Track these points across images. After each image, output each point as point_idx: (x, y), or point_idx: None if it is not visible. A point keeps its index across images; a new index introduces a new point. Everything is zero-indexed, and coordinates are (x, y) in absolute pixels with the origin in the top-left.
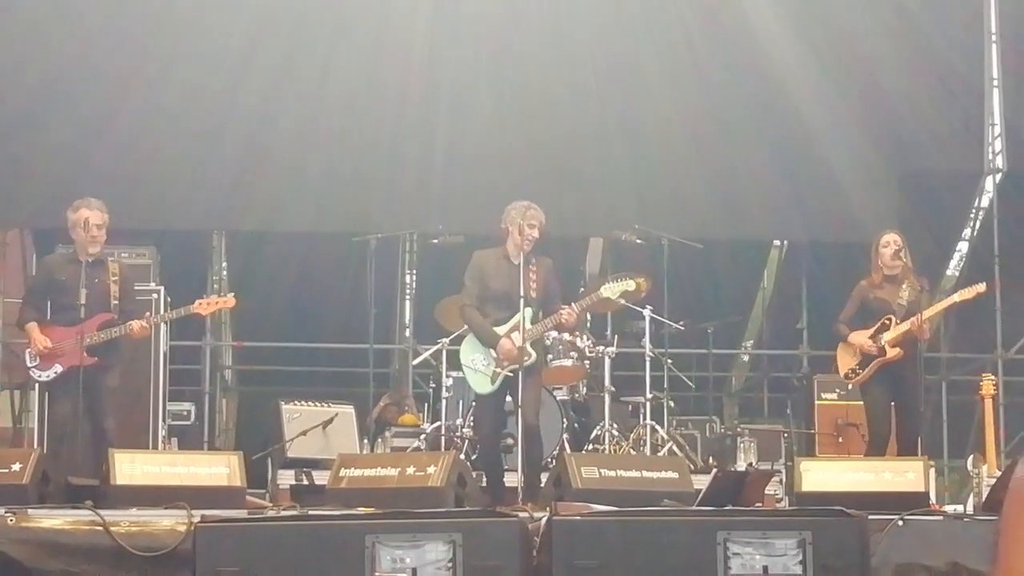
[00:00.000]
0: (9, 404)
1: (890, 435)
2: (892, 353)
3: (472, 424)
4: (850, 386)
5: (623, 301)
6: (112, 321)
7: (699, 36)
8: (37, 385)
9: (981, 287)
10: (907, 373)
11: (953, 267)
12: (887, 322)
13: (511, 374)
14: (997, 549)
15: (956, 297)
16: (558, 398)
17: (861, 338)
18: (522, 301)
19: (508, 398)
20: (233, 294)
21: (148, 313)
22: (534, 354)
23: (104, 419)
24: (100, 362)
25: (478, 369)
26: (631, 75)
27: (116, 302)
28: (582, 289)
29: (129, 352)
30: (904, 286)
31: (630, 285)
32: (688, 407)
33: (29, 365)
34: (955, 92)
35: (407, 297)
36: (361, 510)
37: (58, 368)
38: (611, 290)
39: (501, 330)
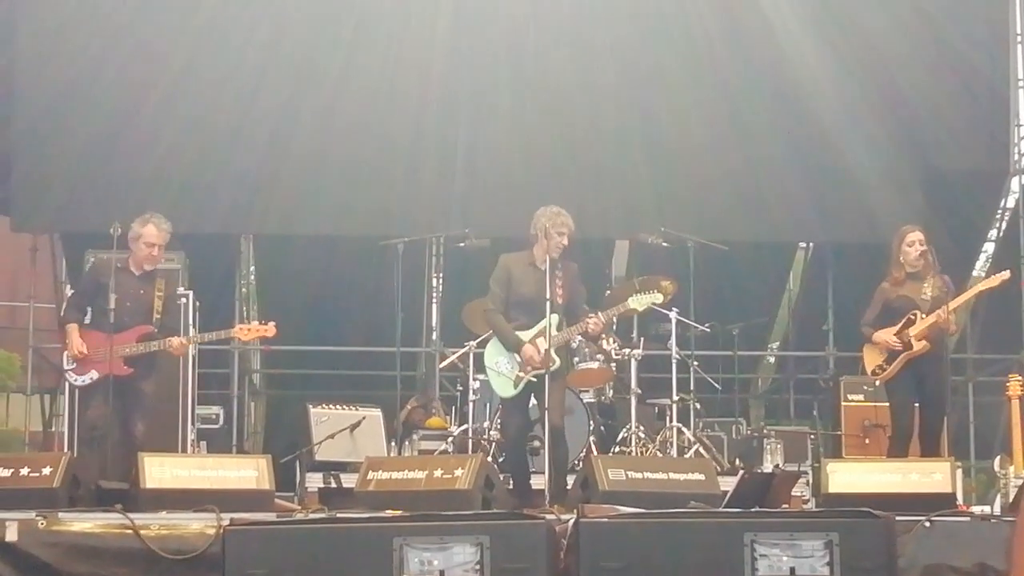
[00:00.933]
0: (40, 408)
1: (913, 431)
2: (919, 346)
3: (500, 427)
4: (877, 383)
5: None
6: (151, 334)
7: (720, 38)
8: (68, 389)
9: (1006, 274)
10: (932, 370)
11: (979, 268)
12: (912, 317)
13: (534, 379)
14: (1013, 550)
15: (982, 285)
16: (585, 401)
17: (886, 335)
18: (548, 306)
19: (534, 401)
20: (273, 324)
21: (191, 334)
22: (558, 360)
23: (135, 424)
24: (135, 373)
25: (501, 372)
26: (653, 77)
27: (158, 316)
28: (608, 292)
29: (160, 364)
30: (927, 283)
31: (657, 298)
32: (714, 409)
33: (65, 368)
34: (979, 92)
35: (434, 300)
36: (389, 513)
37: (94, 374)
38: (639, 302)
39: (526, 335)
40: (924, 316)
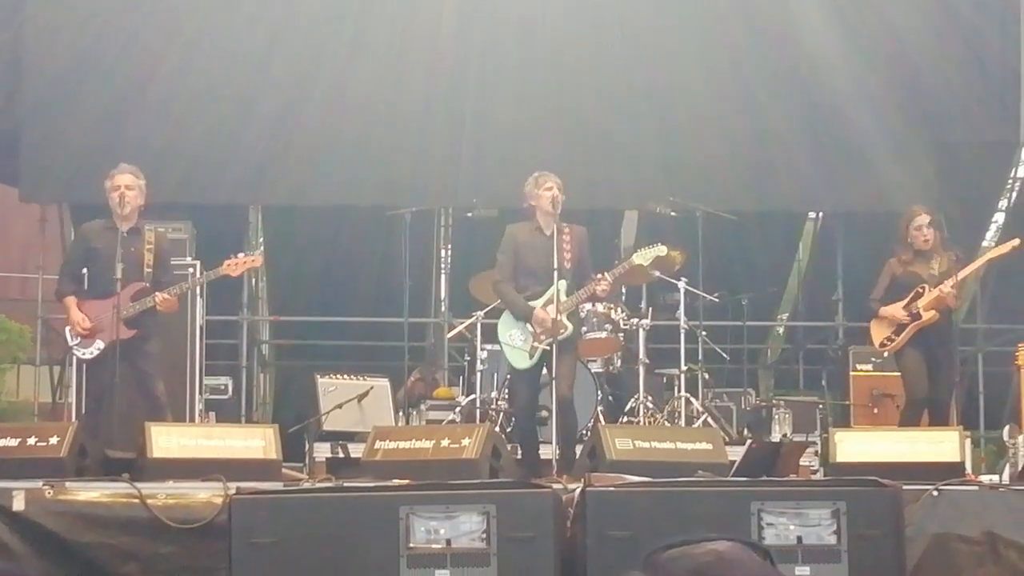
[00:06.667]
0: (49, 379)
1: (926, 397)
2: (927, 316)
3: (507, 397)
4: (885, 354)
5: (656, 273)
6: (145, 290)
7: (730, 8)
8: (75, 360)
9: (1015, 241)
10: (940, 342)
11: (989, 239)
12: (920, 290)
13: (549, 347)
14: None
15: (991, 253)
16: (592, 370)
17: (894, 309)
18: (555, 275)
19: (544, 371)
20: (260, 252)
21: (183, 284)
22: (570, 326)
23: (154, 385)
24: (139, 333)
25: (516, 345)
26: (662, 46)
27: (149, 270)
28: (617, 262)
29: (165, 323)
30: (935, 260)
31: (662, 250)
32: (723, 379)
33: (71, 344)
34: (990, 62)
35: (442, 271)
36: (396, 482)
37: (100, 344)
38: (643, 256)
39: (536, 304)
40: (931, 290)
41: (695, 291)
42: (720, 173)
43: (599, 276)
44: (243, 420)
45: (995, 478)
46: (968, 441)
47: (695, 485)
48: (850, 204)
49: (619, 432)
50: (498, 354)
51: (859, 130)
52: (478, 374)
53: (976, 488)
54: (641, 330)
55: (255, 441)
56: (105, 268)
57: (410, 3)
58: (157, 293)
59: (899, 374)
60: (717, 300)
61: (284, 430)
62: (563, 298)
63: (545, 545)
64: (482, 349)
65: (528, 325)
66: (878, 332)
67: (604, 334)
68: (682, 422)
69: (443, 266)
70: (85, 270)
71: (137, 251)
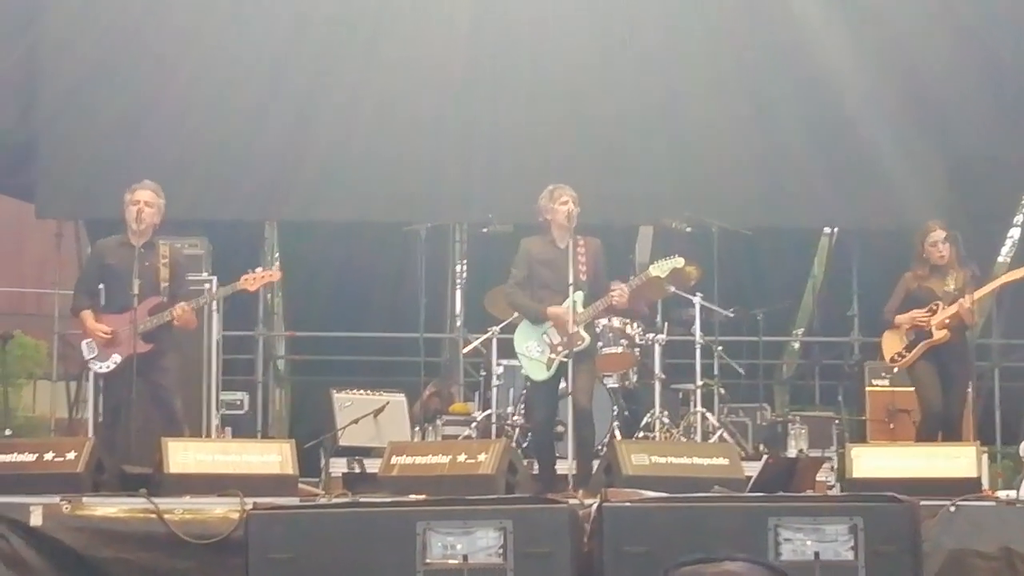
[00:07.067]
0: (65, 394)
1: (942, 412)
2: (939, 335)
3: (523, 412)
4: (895, 369)
5: (672, 288)
6: (162, 305)
7: (744, 24)
8: (91, 375)
9: None
10: (953, 358)
11: (1005, 253)
12: (935, 307)
13: (566, 359)
14: None
15: (1005, 278)
16: (608, 386)
17: (911, 315)
18: (571, 288)
19: (562, 384)
20: (276, 265)
21: (201, 298)
22: (587, 337)
23: (172, 401)
24: (155, 348)
25: (533, 357)
26: (676, 61)
27: (165, 284)
28: (632, 276)
29: (182, 338)
30: (950, 276)
31: (679, 262)
32: (738, 394)
33: (87, 357)
34: (1003, 77)
35: (457, 286)
36: (412, 497)
37: (116, 358)
38: (660, 268)
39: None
40: (945, 308)
41: (710, 306)
42: (735, 188)
43: (616, 287)
44: (259, 435)
45: (1012, 494)
46: (985, 456)
47: (712, 501)
48: (865, 219)
49: (635, 447)
50: (514, 369)
51: (874, 145)
52: (494, 389)
53: (993, 504)
54: (657, 345)
55: (271, 456)
56: (120, 284)
57: (423, 18)
58: (176, 305)
59: (914, 389)
60: (732, 315)
61: (300, 445)
62: (579, 310)
63: (562, 561)
64: (498, 364)
65: (545, 336)
66: (890, 346)
67: (620, 349)
68: (698, 437)
69: (458, 281)
70: (101, 286)
71: (152, 266)
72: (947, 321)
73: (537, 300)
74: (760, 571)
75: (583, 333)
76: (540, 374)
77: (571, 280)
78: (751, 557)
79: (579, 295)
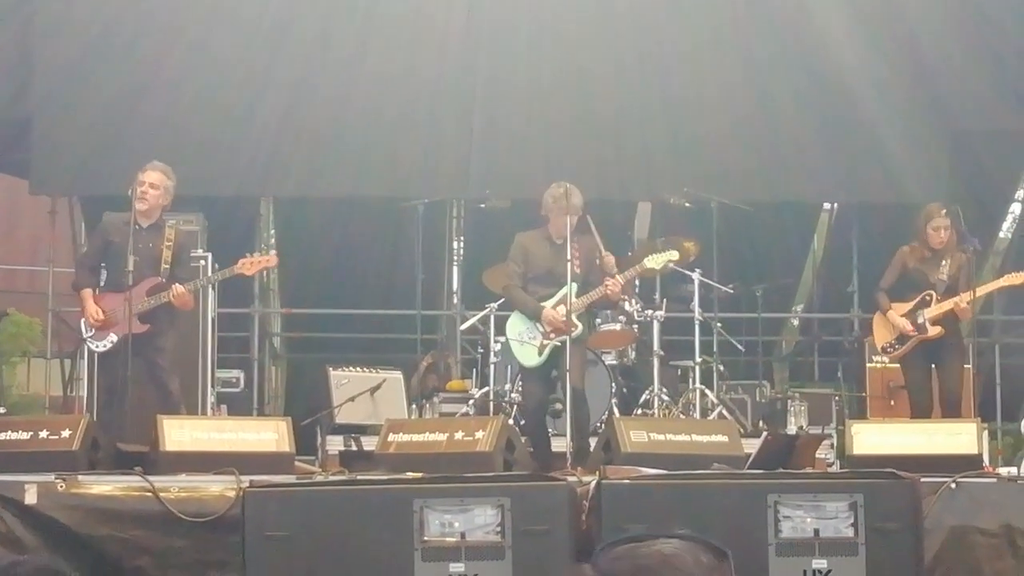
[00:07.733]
0: (60, 372)
1: (932, 407)
2: (933, 332)
3: (520, 389)
4: (887, 361)
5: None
6: (161, 285)
7: None
8: (87, 353)
9: None
10: (943, 346)
11: (1006, 229)
12: (927, 298)
13: (559, 343)
14: None
15: (1004, 282)
16: (607, 362)
17: (901, 321)
18: (568, 276)
19: (553, 373)
20: (275, 252)
21: (197, 281)
22: (580, 326)
23: (169, 381)
24: (152, 328)
25: (525, 341)
26: (674, 36)
27: (167, 266)
28: (630, 254)
29: (178, 318)
30: (946, 261)
31: (674, 255)
32: (738, 371)
33: (85, 336)
34: (1004, 51)
35: (454, 263)
36: (409, 475)
37: (113, 337)
38: (655, 261)
39: (547, 304)
40: (939, 298)
41: (710, 282)
42: (734, 164)
43: (611, 280)
44: (255, 413)
45: (1013, 470)
46: (986, 433)
47: (711, 478)
48: (865, 194)
49: (634, 424)
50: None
51: (873, 120)
52: (491, 366)
53: (994, 480)
54: (655, 322)
55: (268, 434)
56: (122, 262)
57: None
58: (175, 286)
59: (904, 383)
60: (732, 291)
61: (296, 423)
62: (574, 299)
63: (560, 538)
64: (495, 341)
65: (538, 324)
66: (881, 333)
67: (618, 326)
68: (697, 414)
69: (455, 258)
70: (104, 264)
71: (156, 247)
72: (940, 316)
73: (531, 293)
74: (696, 548)
75: (576, 321)
76: (531, 360)
77: (567, 265)
78: (688, 534)
79: (573, 287)
